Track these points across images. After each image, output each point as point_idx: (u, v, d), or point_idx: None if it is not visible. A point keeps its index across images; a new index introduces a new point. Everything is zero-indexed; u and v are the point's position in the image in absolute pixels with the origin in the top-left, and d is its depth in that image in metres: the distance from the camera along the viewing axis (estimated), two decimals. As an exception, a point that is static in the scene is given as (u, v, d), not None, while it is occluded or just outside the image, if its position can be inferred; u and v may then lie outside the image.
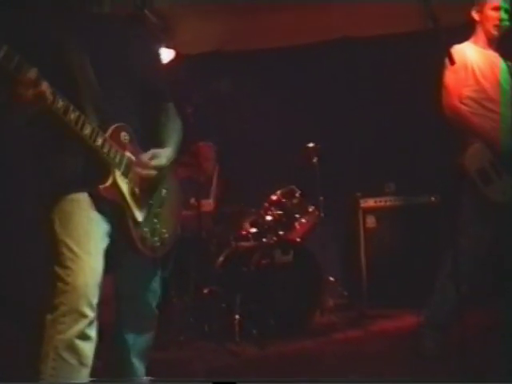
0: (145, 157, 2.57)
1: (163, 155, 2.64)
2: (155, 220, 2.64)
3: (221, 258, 5.33)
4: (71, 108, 2.26)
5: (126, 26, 2.69)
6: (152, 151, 2.61)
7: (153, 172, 2.59)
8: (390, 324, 5.17)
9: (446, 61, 3.44)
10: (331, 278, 5.66)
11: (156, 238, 2.64)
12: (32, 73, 2.11)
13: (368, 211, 6.12)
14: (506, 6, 3.91)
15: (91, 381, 2.37)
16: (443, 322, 3.83)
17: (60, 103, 2.22)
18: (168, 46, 6.27)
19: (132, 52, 2.64)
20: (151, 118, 2.76)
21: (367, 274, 5.97)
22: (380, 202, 6.13)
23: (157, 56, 2.95)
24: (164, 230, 2.69)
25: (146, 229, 2.59)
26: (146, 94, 2.71)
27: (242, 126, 6.48)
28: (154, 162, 2.59)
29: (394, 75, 6.08)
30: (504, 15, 3.90)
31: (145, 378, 2.83)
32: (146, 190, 2.59)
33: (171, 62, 6.23)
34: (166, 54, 6.24)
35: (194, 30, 6.59)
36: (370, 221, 6.09)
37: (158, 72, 2.85)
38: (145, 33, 2.84)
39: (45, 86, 2.16)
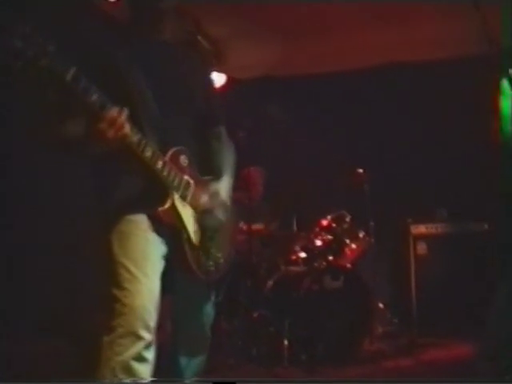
0: (204, 197, 2.61)
1: (223, 190, 2.70)
2: (210, 244, 2.66)
3: (270, 282, 5.32)
4: (134, 131, 2.30)
5: (180, 51, 2.74)
6: (212, 188, 2.67)
7: (215, 215, 2.63)
8: (440, 353, 5.07)
9: (502, 86, 3.40)
10: (381, 305, 5.60)
11: (211, 263, 2.65)
12: (115, 112, 2.19)
13: (419, 238, 6.02)
14: None
15: (152, 381, 2.39)
16: (497, 351, 3.74)
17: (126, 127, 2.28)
18: (219, 71, 6.35)
19: (187, 76, 2.68)
20: (205, 142, 2.80)
21: (417, 302, 5.85)
22: (431, 228, 6.04)
23: (210, 80, 2.98)
24: (219, 255, 2.70)
25: (201, 252, 2.60)
26: (200, 118, 2.75)
27: (292, 150, 6.50)
28: (216, 203, 2.64)
29: (447, 100, 6.02)
30: None
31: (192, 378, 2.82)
32: (203, 213, 2.62)
33: (222, 86, 6.31)
34: (218, 79, 6.32)
35: (245, 55, 6.66)
36: (421, 247, 5.99)
37: (212, 96, 2.88)
38: (198, 57, 2.89)
39: (127, 126, 2.23)
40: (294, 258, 5.56)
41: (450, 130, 6.15)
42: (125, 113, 2.22)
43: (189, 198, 2.54)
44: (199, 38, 6.11)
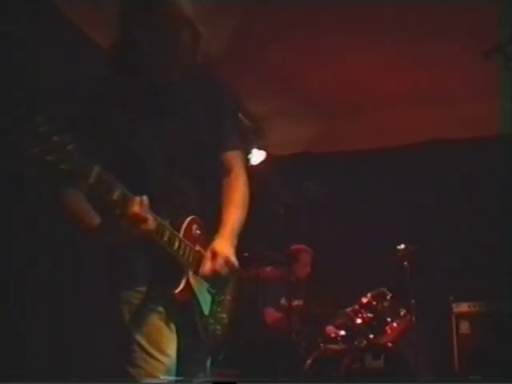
0: (212, 264, 2.39)
1: (231, 258, 2.42)
2: (219, 309, 2.53)
3: (309, 361, 5.22)
4: (152, 216, 2.15)
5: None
6: (222, 258, 2.40)
7: (222, 279, 2.44)
8: None
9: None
10: (424, 386, 5.46)
11: (218, 327, 2.51)
12: (136, 206, 2.06)
13: (461, 316, 5.91)
14: None
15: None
16: None
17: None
18: (259, 148, 6.46)
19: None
20: (208, 179, 2.54)
21: (460, 383, 5.69)
22: (474, 306, 5.92)
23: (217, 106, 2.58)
24: (224, 316, 2.55)
25: (210, 320, 2.47)
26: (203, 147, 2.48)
27: (332, 227, 6.50)
28: (224, 265, 2.39)
29: (489, 178, 6.00)
30: None
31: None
32: (213, 281, 2.46)
33: (262, 162, 6.41)
34: (258, 155, 6.44)
35: (285, 132, 6.76)
36: (464, 326, 5.87)
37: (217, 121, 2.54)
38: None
39: (151, 219, 2.11)
40: (333, 335, 5.46)
41: (492, 208, 6.10)
42: (146, 203, 2.08)
43: (200, 270, 2.38)
44: (240, 115, 6.27)
